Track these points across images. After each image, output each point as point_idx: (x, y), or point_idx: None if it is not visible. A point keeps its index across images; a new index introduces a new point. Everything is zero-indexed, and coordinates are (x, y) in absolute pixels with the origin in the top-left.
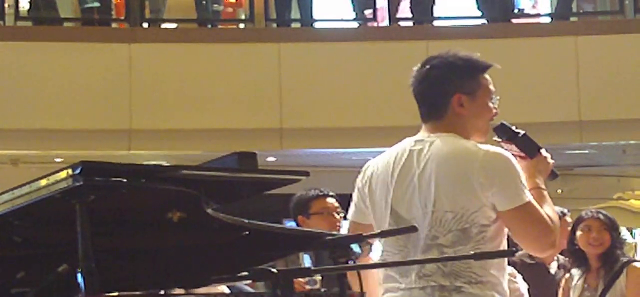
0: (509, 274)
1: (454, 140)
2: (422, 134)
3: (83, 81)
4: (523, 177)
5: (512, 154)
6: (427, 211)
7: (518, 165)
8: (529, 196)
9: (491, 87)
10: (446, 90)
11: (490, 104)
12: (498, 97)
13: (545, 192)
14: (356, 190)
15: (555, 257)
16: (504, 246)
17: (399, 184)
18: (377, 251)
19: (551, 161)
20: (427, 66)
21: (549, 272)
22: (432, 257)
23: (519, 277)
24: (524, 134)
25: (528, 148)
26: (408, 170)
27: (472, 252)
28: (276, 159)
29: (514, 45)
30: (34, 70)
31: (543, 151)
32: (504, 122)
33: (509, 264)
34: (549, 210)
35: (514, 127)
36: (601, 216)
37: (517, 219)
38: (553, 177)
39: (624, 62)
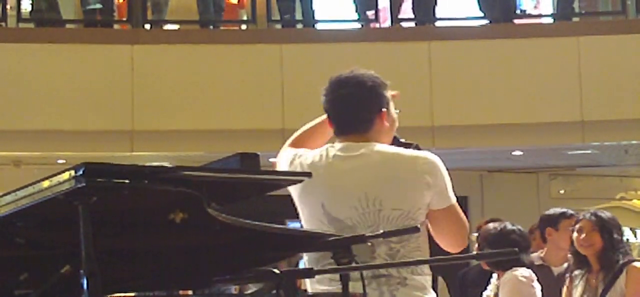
0: (527, 278)
1: (384, 146)
2: (344, 144)
3: (85, 82)
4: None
5: None
6: (369, 211)
7: None
8: (454, 199)
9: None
10: (374, 106)
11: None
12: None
13: None
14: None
15: (567, 258)
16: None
17: (331, 187)
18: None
19: None
20: (349, 86)
21: (552, 273)
22: (434, 258)
23: (536, 282)
24: (417, 145)
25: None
26: (340, 174)
27: (474, 253)
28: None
29: (516, 45)
30: (36, 71)
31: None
32: (395, 135)
33: (526, 266)
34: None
35: (402, 140)
36: (593, 217)
37: (447, 217)
38: None
39: (626, 62)
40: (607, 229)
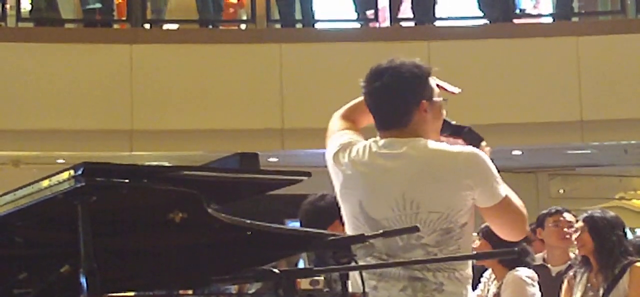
0: (531, 278)
1: (427, 143)
2: (387, 140)
3: (84, 82)
4: (496, 171)
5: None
6: (406, 213)
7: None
8: (505, 189)
9: (437, 88)
10: (411, 98)
11: (441, 105)
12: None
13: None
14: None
15: (572, 256)
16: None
17: (370, 185)
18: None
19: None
20: (384, 78)
21: (550, 273)
22: (432, 259)
23: (536, 282)
24: (469, 128)
25: (473, 141)
26: (381, 173)
27: (470, 253)
28: (278, 159)
29: (515, 45)
30: (35, 71)
31: (483, 143)
32: (446, 119)
33: (528, 267)
34: (515, 197)
35: (454, 122)
36: (585, 218)
37: (500, 212)
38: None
39: (625, 62)
40: (598, 230)
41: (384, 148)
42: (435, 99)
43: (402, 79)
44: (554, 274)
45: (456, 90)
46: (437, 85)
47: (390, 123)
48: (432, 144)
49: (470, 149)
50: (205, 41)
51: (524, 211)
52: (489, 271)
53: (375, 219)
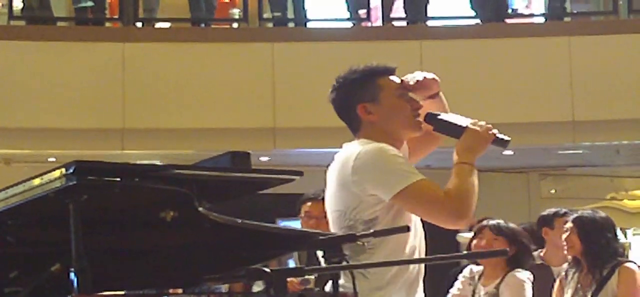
0: (530, 280)
1: (352, 145)
2: None
3: (76, 80)
4: (399, 162)
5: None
6: (329, 214)
7: (391, 151)
8: (412, 179)
9: (396, 84)
10: (348, 105)
11: (402, 100)
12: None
13: (467, 166)
14: None
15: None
16: (403, 239)
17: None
18: None
19: (492, 131)
20: (331, 91)
21: (552, 273)
22: (424, 258)
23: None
24: (441, 120)
25: (451, 131)
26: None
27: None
28: (269, 158)
29: (507, 45)
30: (27, 69)
31: (472, 125)
32: (429, 112)
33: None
34: (463, 183)
35: (438, 115)
36: (574, 219)
37: (404, 203)
38: (500, 143)
39: (617, 62)
40: (587, 232)
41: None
42: (388, 95)
43: (338, 90)
44: (556, 275)
45: (416, 78)
46: (401, 80)
47: (350, 131)
48: (352, 146)
49: (368, 147)
50: (197, 40)
51: (444, 196)
52: (468, 269)
53: None
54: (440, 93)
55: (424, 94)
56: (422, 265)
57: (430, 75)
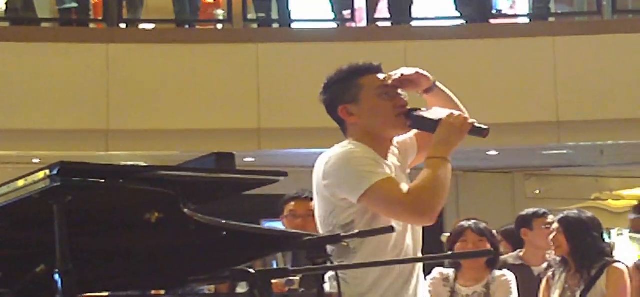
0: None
1: (331, 149)
2: None
3: (61, 82)
4: (363, 164)
5: None
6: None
7: (356, 154)
8: (373, 179)
9: (377, 82)
10: (332, 108)
11: (382, 99)
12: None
13: (437, 161)
14: None
15: (547, 257)
16: (384, 240)
17: None
18: None
19: (470, 121)
20: (321, 92)
21: (532, 273)
22: (409, 259)
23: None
24: (415, 116)
25: (426, 126)
26: None
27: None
28: (254, 159)
29: (491, 45)
30: (11, 70)
31: (446, 117)
32: (409, 108)
33: (500, 267)
34: (429, 179)
35: (416, 112)
36: (560, 219)
37: (369, 203)
38: (477, 133)
39: (601, 63)
40: (573, 231)
41: None
42: (367, 95)
43: (325, 92)
44: (536, 274)
45: (395, 75)
46: (385, 77)
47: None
48: (331, 150)
49: (339, 151)
50: (182, 41)
51: (400, 195)
52: (436, 271)
53: None
54: (439, 85)
55: (414, 90)
56: (419, 267)
57: (408, 71)
